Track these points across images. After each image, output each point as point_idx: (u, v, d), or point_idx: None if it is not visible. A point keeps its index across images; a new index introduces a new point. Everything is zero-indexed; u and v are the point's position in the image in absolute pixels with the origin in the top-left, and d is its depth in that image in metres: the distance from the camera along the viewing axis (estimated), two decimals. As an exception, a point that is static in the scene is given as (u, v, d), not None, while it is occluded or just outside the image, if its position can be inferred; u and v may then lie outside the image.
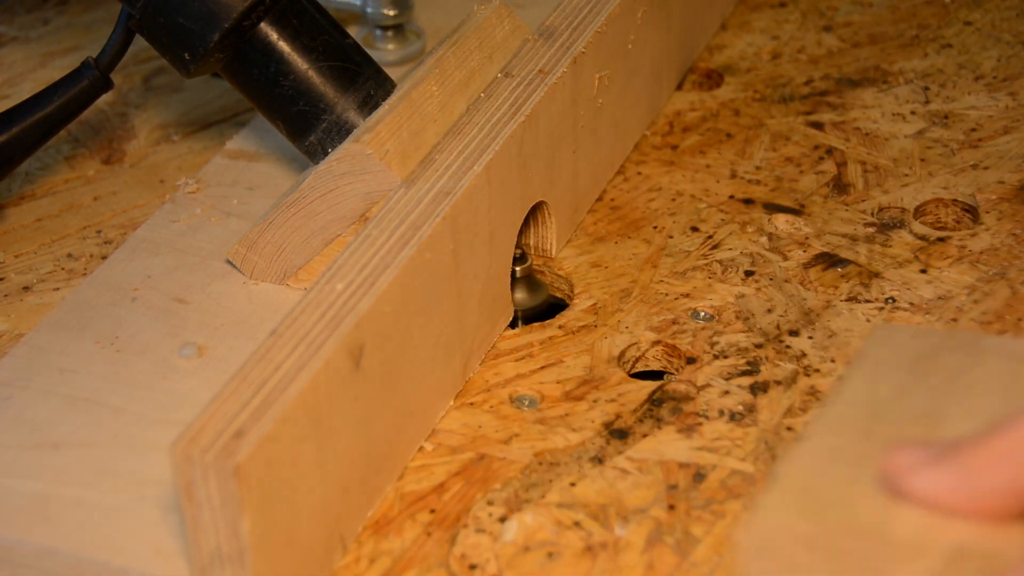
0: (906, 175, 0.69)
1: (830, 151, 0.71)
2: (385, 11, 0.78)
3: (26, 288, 0.65)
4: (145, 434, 0.55)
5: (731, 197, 0.69)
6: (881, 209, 0.67)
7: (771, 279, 0.63)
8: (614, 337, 0.61)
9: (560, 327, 0.62)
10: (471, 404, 0.58)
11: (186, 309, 0.61)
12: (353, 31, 0.79)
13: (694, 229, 0.67)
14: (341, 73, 0.62)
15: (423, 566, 0.51)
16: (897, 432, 0.45)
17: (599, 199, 0.69)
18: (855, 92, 0.76)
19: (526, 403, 0.58)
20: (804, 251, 0.65)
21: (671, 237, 0.66)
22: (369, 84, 0.63)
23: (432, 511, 0.53)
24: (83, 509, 0.52)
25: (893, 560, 0.41)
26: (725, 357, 0.59)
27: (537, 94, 0.61)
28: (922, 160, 0.70)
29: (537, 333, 0.61)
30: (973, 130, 0.72)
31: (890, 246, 0.65)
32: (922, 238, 0.65)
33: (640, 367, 0.60)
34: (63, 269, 0.66)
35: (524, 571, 0.51)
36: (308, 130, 0.62)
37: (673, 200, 0.69)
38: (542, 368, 0.59)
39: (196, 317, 0.61)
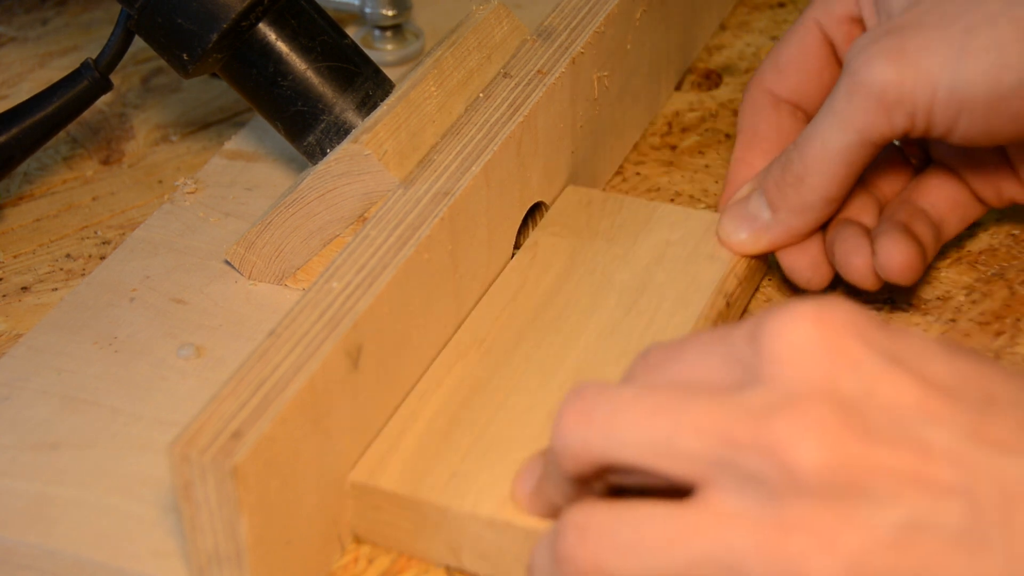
0: (905, 175, 0.69)
1: (829, 151, 0.71)
2: (384, 11, 0.78)
3: (24, 288, 0.65)
4: (143, 435, 0.55)
5: (730, 197, 0.69)
6: (880, 209, 0.67)
7: (770, 279, 0.63)
8: (612, 337, 0.60)
9: (558, 327, 0.61)
10: (469, 404, 0.58)
11: (184, 310, 0.61)
12: (352, 31, 0.79)
13: (693, 229, 0.67)
14: (339, 73, 0.62)
15: (421, 566, 0.51)
16: None
17: (598, 199, 0.69)
18: (854, 92, 0.76)
19: (524, 403, 0.58)
20: (803, 251, 0.65)
21: (670, 237, 0.66)
22: (367, 84, 0.63)
23: (430, 511, 0.53)
24: (81, 509, 0.52)
25: None
26: (723, 357, 0.59)
27: (536, 94, 0.61)
28: (921, 160, 0.70)
29: (535, 333, 0.61)
30: (972, 130, 0.72)
31: (889, 246, 0.65)
32: (921, 238, 0.65)
33: (638, 367, 0.60)
34: (61, 270, 0.66)
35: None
36: (306, 130, 0.62)
37: (672, 200, 0.68)
38: (540, 368, 0.59)
39: (194, 318, 0.61)
